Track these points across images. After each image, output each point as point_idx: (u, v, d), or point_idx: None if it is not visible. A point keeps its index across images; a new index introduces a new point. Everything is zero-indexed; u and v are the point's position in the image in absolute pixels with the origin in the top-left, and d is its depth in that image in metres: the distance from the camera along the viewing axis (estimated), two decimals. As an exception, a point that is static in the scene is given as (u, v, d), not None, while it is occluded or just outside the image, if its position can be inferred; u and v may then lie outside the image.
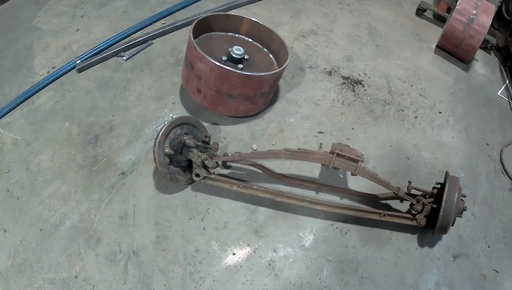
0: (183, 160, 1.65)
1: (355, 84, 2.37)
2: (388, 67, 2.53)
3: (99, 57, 2.27)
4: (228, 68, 1.67)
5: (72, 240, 1.53)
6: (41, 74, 2.23)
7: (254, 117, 2.07)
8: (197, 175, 1.64)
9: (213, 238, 1.66)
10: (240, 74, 1.69)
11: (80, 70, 2.23)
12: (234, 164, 1.86)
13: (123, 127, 1.93)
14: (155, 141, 1.53)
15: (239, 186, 1.67)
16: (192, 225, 1.67)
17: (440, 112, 2.33)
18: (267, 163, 1.85)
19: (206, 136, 1.80)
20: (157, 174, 1.72)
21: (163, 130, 1.56)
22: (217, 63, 1.66)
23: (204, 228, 1.68)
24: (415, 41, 2.82)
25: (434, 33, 2.91)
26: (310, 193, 1.86)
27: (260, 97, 1.93)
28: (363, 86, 2.37)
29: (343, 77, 2.41)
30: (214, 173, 1.70)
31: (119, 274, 1.50)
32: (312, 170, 1.93)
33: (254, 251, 1.66)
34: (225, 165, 1.87)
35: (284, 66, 1.88)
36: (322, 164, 1.68)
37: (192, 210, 1.71)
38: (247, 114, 2.00)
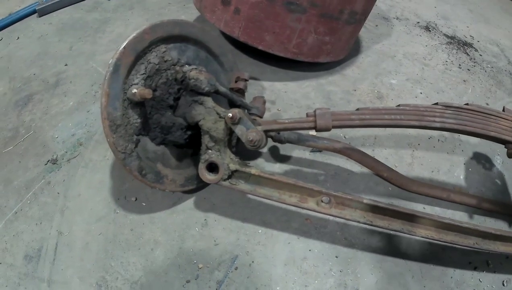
0: (177, 125, 0.78)
1: (466, 46, 1.58)
2: (494, 34, 1.83)
3: (72, -6, 1.52)
4: None
5: None
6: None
7: (325, 71, 1.22)
8: (211, 167, 0.72)
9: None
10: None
11: (42, 13, 1.49)
12: (297, 150, 0.95)
13: (77, 81, 1.11)
14: (109, 67, 0.67)
15: (331, 199, 0.69)
16: None
17: None
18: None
19: (238, 79, 0.88)
20: (118, 166, 0.89)
21: (130, 39, 0.68)
22: None
23: None
24: (509, 15, 2.10)
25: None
26: (458, 215, 0.95)
27: (348, 21, 1.03)
28: (476, 50, 1.59)
29: (447, 36, 1.66)
30: (251, 166, 0.73)
31: None
32: (452, 169, 1.01)
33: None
34: (273, 153, 0.95)
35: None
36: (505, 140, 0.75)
37: (197, 261, 0.77)
38: (317, 58, 1.09)
